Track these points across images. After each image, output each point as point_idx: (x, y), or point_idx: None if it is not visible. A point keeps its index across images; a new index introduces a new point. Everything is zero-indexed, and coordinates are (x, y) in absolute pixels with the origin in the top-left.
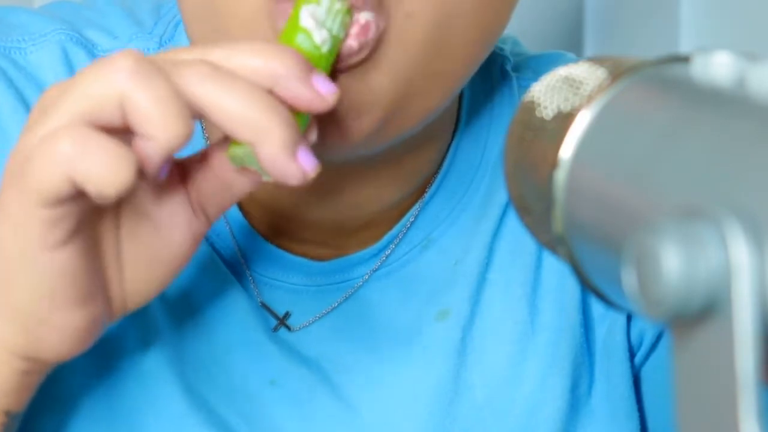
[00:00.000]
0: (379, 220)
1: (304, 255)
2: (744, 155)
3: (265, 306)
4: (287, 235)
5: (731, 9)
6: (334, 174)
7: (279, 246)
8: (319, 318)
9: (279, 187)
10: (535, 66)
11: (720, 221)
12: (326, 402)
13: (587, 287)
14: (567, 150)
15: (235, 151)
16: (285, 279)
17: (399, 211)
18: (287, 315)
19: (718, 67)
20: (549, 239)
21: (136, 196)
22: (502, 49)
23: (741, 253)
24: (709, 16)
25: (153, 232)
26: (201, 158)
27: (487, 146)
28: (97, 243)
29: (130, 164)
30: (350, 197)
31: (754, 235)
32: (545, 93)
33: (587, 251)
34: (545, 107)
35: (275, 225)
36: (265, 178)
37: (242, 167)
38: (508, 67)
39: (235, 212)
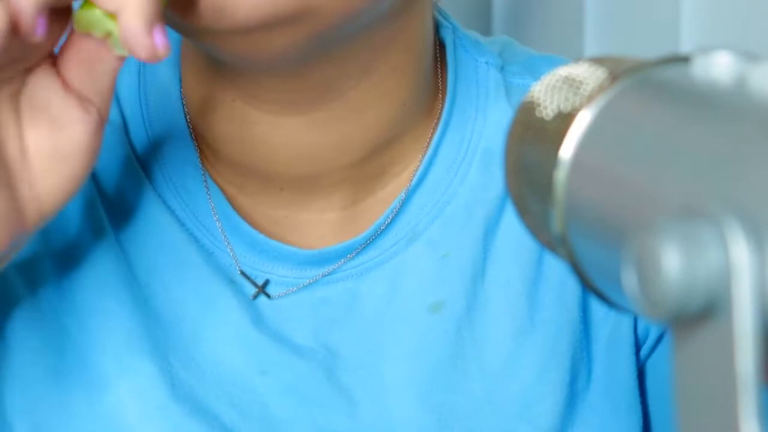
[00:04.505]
0: (349, 179)
1: (288, 241)
2: (744, 155)
3: (244, 274)
4: (261, 201)
5: (731, 9)
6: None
7: (264, 233)
8: (302, 295)
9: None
10: (523, 62)
11: (720, 221)
12: (321, 391)
13: (587, 287)
14: (567, 150)
15: (83, 14)
16: (272, 271)
17: (372, 170)
18: (266, 283)
19: (718, 67)
20: (549, 239)
21: (31, 86)
22: (489, 50)
23: (741, 253)
24: (709, 16)
25: (52, 124)
26: (67, 45)
27: (472, 138)
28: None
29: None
30: (316, 139)
31: (754, 235)
32: (545, 93)
33: (587, 251)
34: (545, 107)
35: (248, 190)
36: (117, 51)
37: (87, 32)
38: (495, 64)
39: (218, 196)
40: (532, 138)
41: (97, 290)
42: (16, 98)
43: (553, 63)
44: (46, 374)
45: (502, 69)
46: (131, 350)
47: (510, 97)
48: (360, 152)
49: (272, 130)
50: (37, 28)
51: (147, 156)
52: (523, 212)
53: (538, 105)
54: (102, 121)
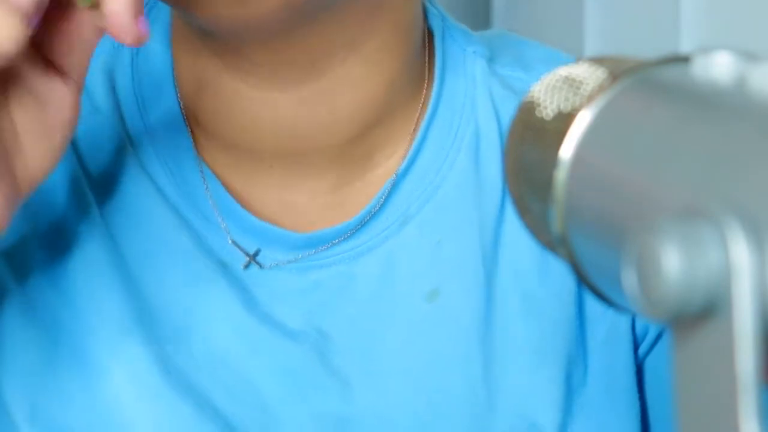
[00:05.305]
0: (338, 160)
1: (280, 224)
2: (744, 155)
3: (235, 243)
4: (253, 182)
5: (731, 9)
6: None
7: (256, 215)
8: (294, 279)
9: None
10: (515, 54)
11: (720, 221)
12: (314, 374)
13: (587, 287)
14: (567, 150)
15: None
16: (265, 255)
17: (361, 152)
18: (258, 252)
19: (718, 67)
20: (549, 239)
21: (20, 70)
22: (478, 40)
23: (741, 253)
24: (709, 16)
25: (37, 102)
26: (46, 22)
27: (460, 125)
28: None
29: (18, 15)
30: (302, 114)
31: (754, 235)
32: (545, 93)
33: (587, 251)
34: (545, 107)
35: (240, 171)
36: (99, 24)
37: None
38: (482, 54)
39: (212, 178)
40: (532, 138)
41: (87, 277)
42: (1, 81)
43: (548, 58)
44: (41, 363)
45: (490, 59)
46: (124, 336)
47: (496, 87)
48: (348, 131)
49: (260, 105)
50: (32, 24)
51: (142, 142)
52: (523, 212)
53: (538, 105)
54: (79, 91)
